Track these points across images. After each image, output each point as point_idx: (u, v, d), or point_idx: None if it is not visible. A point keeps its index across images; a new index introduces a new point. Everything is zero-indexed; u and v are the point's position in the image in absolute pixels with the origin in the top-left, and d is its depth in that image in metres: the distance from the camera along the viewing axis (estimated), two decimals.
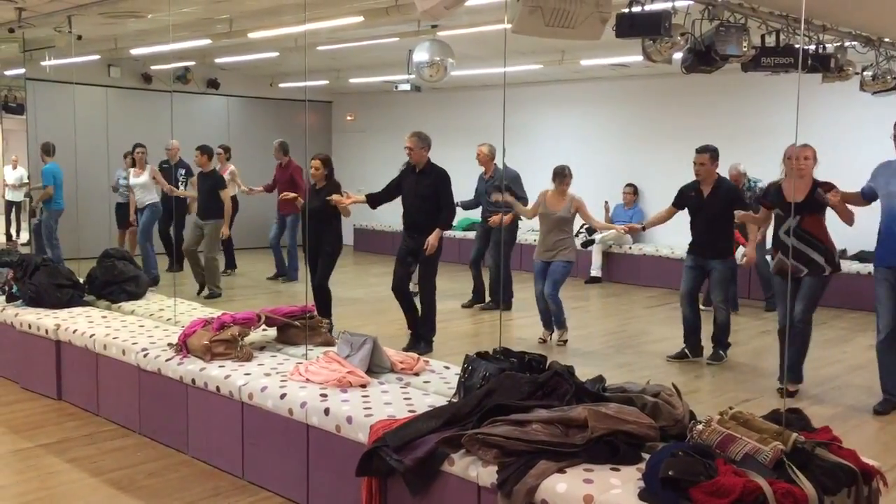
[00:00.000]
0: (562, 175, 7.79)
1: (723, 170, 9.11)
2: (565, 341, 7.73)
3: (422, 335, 7.20)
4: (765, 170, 9.94)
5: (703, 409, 3.81)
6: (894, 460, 4.85)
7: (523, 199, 8.89)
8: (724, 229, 7.13)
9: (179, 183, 10.77)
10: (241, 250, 12.14)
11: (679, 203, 7.31)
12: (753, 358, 7.47)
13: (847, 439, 3.46)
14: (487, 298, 9.58)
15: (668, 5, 5.25)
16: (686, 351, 7.23)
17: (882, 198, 5.79)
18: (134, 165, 10.56)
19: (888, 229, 5.73)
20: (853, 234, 6.44)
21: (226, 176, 11.10)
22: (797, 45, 6.21)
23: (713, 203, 7.01)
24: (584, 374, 3.95)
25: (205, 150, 9.63)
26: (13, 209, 12.84)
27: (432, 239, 6.93)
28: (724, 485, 2.81)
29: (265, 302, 8.30)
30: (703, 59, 5.75)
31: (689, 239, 7.24)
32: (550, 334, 7.83)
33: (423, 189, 7.04)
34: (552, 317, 7.76)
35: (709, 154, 7.06)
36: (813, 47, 6.78)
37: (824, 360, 7.16)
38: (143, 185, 10.38)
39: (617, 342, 7.91)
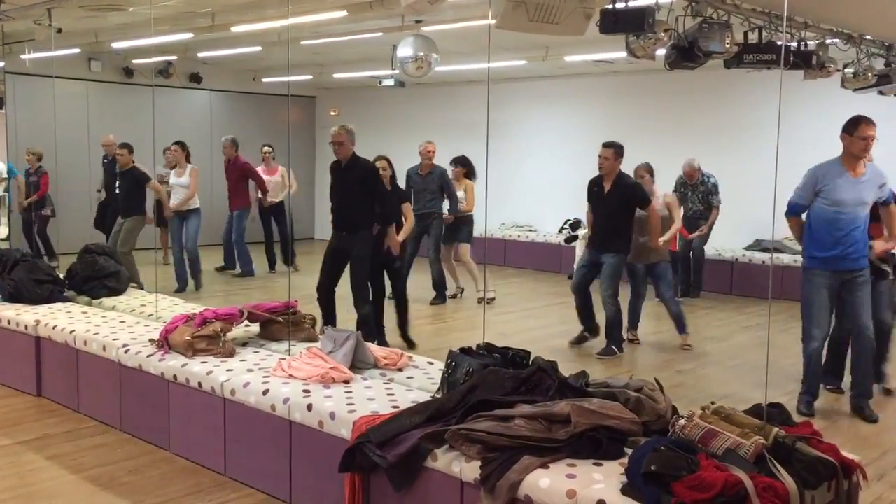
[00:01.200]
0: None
1: (716, 163, 9.17)
2: (690, 346, 7.51)
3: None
4: (745, 165, 10.04)
5: (685, 404, 3.82)
6: (874, 454, 4.89)
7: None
8: (620, 225, 7.17)
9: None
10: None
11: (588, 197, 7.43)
12: (737, 353, 7.51)
13: (827, 434, 3.49)
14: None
15: (652, 2, 5.26)
16: (585, 334, 7.47)
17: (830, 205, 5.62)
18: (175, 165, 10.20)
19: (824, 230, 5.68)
20: None
21: (275, 177, 11.04)
22: (779, 42, 6.24)
23: (612, 199, 7.13)
24: (567, 369, 3.95)
25: (125, 146, 9.40)
26: None
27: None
28: (705, 479, 2.82)
29: (247, 298, 8.26)
30: (687, 55, 5.77)
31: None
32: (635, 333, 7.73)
33: (350, 185, 6.69)
34: (676, 321, 7.55)
35: (613, 149, 7.16)
36: (795, 44, 6.82)
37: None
38: (185, 186, 9.89)
39: (600, 337, 7.91)
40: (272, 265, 11.54)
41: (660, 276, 7.49)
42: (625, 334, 7.49)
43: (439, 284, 9.53)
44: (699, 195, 9.71)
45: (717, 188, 9.67)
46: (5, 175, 10.79)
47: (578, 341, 7.50)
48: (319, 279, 6.84)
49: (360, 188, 6.67)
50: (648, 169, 7.80)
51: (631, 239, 7.27)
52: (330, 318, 6.76)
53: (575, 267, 11.56)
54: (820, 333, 5.74)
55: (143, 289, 9.00)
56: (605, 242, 7.16)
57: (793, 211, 5.76)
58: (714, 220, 9.71)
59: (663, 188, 9.69)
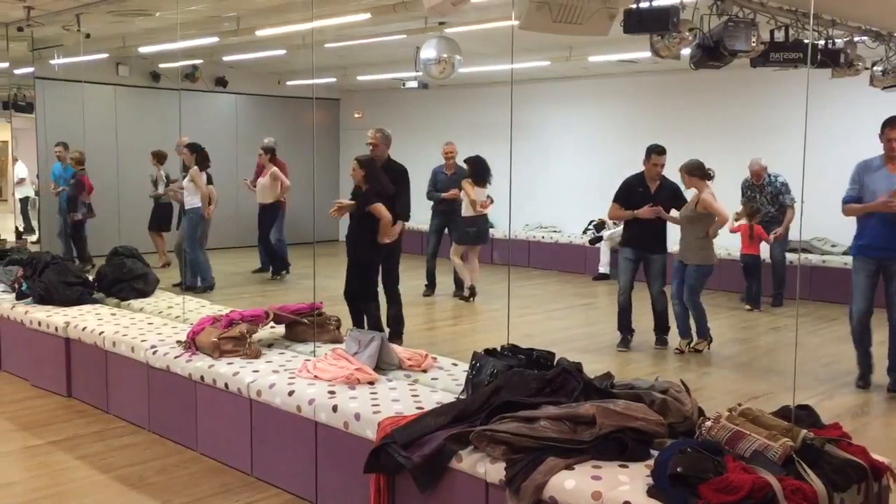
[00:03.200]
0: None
1: (740, 164, 9.01)
2: (699, 350, 7.31)
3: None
4: (771, 165, 9.92)
5: (711, 406, 3.79)
6: None
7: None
8: (662, 227, 7.34)
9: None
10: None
11: (624, 198, 7.39)
12: (764, 354, 7.45)
13: (857, 436, 3.44)
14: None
15: (677, 1, 5.23)
16: (628, 336, 7.53)
17: (866, 196, 5.98)
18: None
19: (867, 222, 6.04)
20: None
21: (263, 179, 10.99)
22: (806, 41, 6.18)
23: (658, 199, 7.26)
24: (592, 370, 3.94)
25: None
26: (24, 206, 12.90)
27: (393, 230, 6.78)
28: (733, 481, 2.80)
29: (273, 300, 8.30)
30: (712, 54, 5.72)
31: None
32: (688, 343, 7.34)
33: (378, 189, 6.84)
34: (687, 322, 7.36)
35: (665, 156, 7.32)
36: (822, 42, 6.74)
37: (836, 356, 7.12)
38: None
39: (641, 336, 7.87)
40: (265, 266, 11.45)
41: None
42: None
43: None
44: (767, 196, 9.28)
45: (788, 187, 9.19)
46: (25, 176, 10.93)
47: (626, 343, 7.48)
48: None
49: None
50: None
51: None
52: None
53: (601, 269, 11.62)
54: (856, 311, 6.15)
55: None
56: (653, 241, 7.29)
57: (845, 202, 6.13)
58: (790, 220, 9.14)
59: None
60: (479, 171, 9.28)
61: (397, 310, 7.17)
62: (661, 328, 7.53)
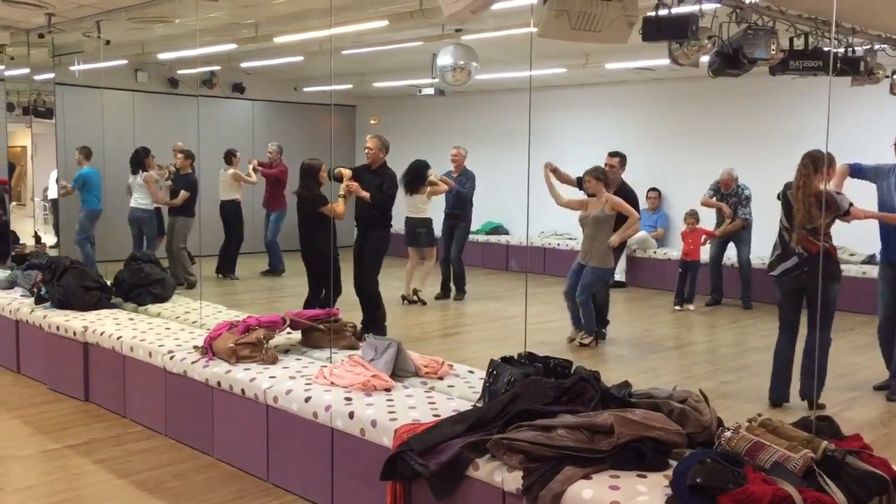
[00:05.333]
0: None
1: (758, 172, 9.14)
2: (585, 344, 7.72)
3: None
4: (789, 173, 9.85)
5: (731, 416, 3.76)
6: None
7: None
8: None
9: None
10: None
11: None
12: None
13: (878, 447, 3.41)
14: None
15: (696, 8, 5.20)
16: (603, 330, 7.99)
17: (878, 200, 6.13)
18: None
19: (889, 230, 6.20)
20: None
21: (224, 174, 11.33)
22: (826, 49, 6.14)
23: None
24: (609, 379, 3.92)
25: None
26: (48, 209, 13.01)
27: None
28: (753, 493, 2.78)
29: (289, 305, 8.32)
30: (731, 62, 5.69)
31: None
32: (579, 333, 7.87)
33: (373, 188, 7.40)
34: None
35: (619, 158, 8.00)
36: (842, 50, 6.69)
37: (855, 366, 7.06)
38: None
39: (642, 347, 7.84)
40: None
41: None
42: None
43: (459, 281, 10.15)
44: (731, 205, 9.74)
45: (749, 201, 9.73)
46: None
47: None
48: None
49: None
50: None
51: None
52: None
53: (616, 277, 11.54)
54: (880, 318, 6.31)
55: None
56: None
57: (852, 168, 6.30)
58: (732, 228, 9.74)
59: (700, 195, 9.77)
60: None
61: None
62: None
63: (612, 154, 8.10)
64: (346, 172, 7.36)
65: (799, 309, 5.88)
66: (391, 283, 8.99)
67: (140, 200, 10.24)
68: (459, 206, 9.91)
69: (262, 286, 11.15)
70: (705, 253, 10.08)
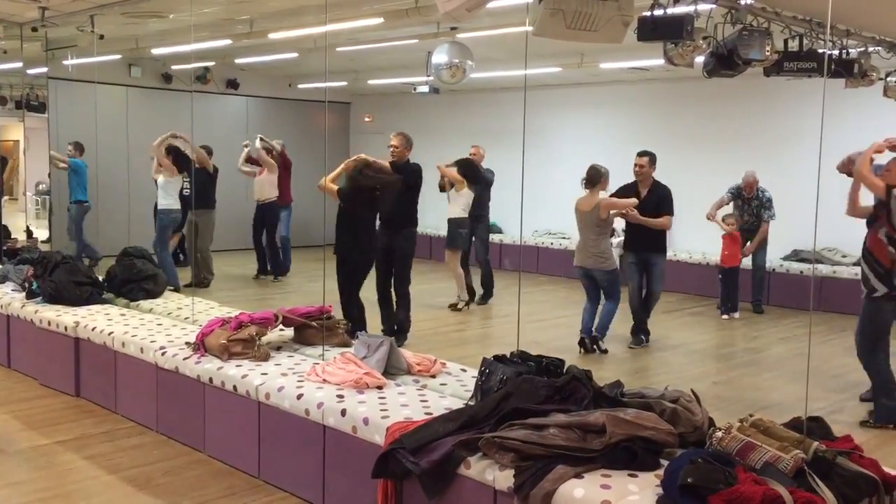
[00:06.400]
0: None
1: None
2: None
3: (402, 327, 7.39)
4: (783, 174, 9.89)
5: (722, 416, 3.77)
6: None
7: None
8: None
9: None
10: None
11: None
12: (775, 365, 7.41)
13: (868, 448, 3.42)
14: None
15: (691, 9, 5.21)
16: (643, 337, 7.85)
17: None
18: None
19: None
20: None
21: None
22: (821, 50, 6.15)
23: (648, 203, 7.63)
24: (601, 378, 3.92)
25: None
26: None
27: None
28: (744, 493, 2.78)
29: (282, 303, 8.30)
30: (726, 63, 5.70)
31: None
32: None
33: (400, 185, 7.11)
34: None
35: (647, 157, 7.80)
36: (836, 52, 6.71)
37: (847, 367, 7.07)
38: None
39: (635, 347, 7.85)
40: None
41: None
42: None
43: (489, 283, 9.81)
44: (754, 209, 9.51)
45: (771, 203, 9.47)
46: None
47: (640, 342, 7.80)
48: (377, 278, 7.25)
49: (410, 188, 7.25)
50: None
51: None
52: (385, 315, 7.34)
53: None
54: None
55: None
56: (647, 244, 7.76)
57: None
58: (763, 236, 9.49)
59: (702, 196, 9.70)
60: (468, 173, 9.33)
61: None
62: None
63: (641, 153, 7.85)
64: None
65: None
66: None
67: (162, 201, 9.69)
68: (480, 207, 9.62)
69: (287, 288, 10.88)
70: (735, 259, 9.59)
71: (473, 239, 9.74)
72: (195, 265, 10.16)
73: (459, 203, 9.13)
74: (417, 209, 7.58)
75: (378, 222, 7.30)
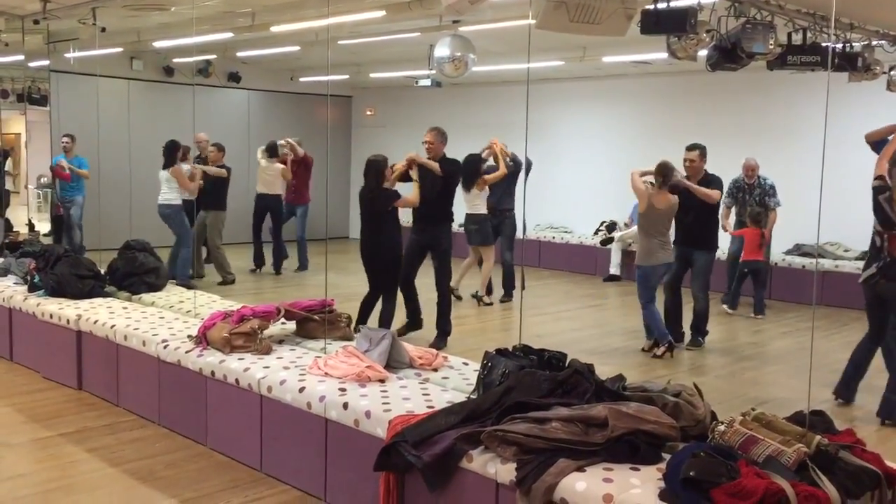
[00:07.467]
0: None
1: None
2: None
3: (442, 329, 7.27)
4: (786, 168, 9.86)
5: (724, 410, 3.77)
6: None
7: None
8: (707, 221, 7.47)
9: None
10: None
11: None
12: (777, 358, 7.41)
13: (871, 442, 3.42)
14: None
15: (694, 2, 5.20)
16: (671, 340, 7.35)
17: None
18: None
19: None
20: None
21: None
22: (824, 44, 6.13)
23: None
24: (603, 372, 3.92)
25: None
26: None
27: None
28: (746, 486, 2.78)
29: (284, 296, 8.31)
30: (729, 56, 5.69)
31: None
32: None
33: (439, 182, 7.13)
34: None
35: (697, 151, 7.55)
36: (840, 46, 6.69)
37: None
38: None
39: (636, 341, 7.85)
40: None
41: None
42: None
43: (508, 282, 9.62)
44: (756, 197, 9.18)
45: (775, 190, 9.15)
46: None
47: (670, 349, 7.26)
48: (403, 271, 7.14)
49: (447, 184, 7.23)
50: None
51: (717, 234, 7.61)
52: (411, 307, 7.27)
53: (612, 270, 11.57)
54: None
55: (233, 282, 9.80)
56: (695, 239, 7.44)
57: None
58: (773, 223, 9.18)
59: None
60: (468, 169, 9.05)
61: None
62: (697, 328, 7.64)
63: (691, 147, 7.59)
64: (410, 158, 7.14)
65: None
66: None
67: (164, 196, 9.49)
68: (507, 201, 9.46)
69: (290, 282, 10.86)
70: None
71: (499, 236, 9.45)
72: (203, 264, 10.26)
73: (480, 197, 9.03)
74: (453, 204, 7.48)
75: (413, 218, 7.30)
